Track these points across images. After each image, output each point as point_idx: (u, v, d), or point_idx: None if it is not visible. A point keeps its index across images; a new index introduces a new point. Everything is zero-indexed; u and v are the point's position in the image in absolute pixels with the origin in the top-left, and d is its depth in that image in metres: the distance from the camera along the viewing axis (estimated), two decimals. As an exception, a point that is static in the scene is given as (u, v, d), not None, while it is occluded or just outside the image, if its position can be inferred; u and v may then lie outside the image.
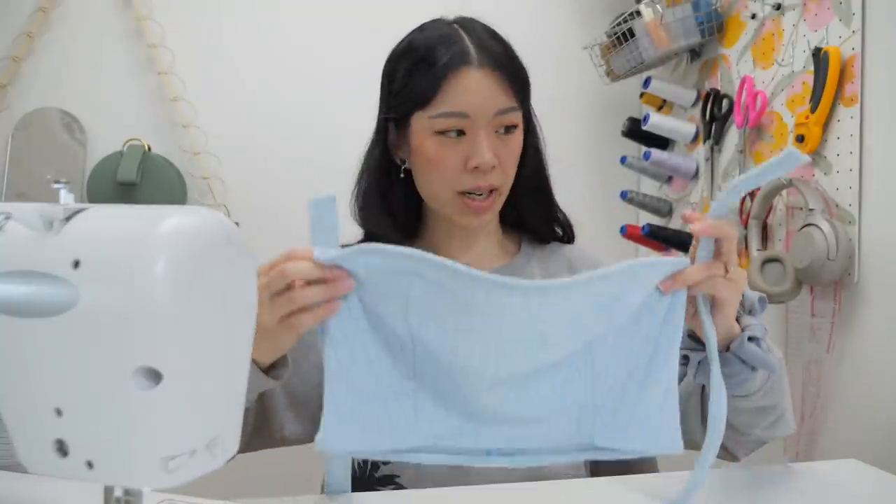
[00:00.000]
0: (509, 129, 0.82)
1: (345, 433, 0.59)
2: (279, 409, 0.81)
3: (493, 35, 0.85)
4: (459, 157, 0.80)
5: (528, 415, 0.62)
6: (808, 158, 0.65)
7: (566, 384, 0.62)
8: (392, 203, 0.88)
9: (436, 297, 0.57)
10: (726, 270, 0.63)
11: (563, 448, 0.64)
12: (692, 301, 0.65)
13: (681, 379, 0.67)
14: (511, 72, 0.81)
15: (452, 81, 0.78)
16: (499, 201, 0.85)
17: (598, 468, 0.91)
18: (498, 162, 0.81)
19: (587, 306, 0.60)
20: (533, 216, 0.93)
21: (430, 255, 0.56)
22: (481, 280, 0.56)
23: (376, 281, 0.58)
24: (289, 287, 0.58)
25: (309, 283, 0.58)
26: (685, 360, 0.69)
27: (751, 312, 0.70)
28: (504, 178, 0.83)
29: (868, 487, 0.81)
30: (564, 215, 0.96)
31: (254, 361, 0.64)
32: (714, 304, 0.65)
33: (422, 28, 0.85)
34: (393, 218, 0.89)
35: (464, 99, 0.78)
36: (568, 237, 0.97)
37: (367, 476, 0.82)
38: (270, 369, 0.67)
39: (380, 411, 0.60)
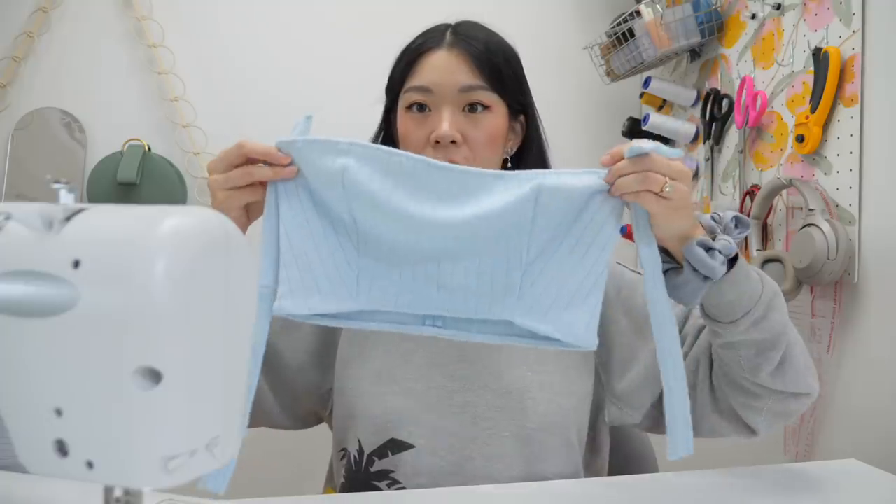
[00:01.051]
0: (477, 106, 0.83)
1: (296, 300, 0.67)
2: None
3: (484, 30, 0.87)
4: (424, 132, 0.83)
5: (459, 283, 0.68)
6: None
7: (499, 261, 0.68)
8: None
9: (367, 180, 0.66)
10: (662, 189, 0.65)
11: (489, 327, 0.70)
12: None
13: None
14: (482, 54, 0.83)
15: (422, 62, 0.84)
16: None
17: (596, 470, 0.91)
18: (463, 139, 0.81)
19: (508, 197, 0.65)
20: None
21: (364, 143, 0.67)
22: (412, 159, 0.66)
23: (318, 171, 0.66)
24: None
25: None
26: (710, 253, 0.69)
27: (726, 231, 0.72)
28: (472, 159, 0.82)
29: (868, 487, 0.81)
30: None
31: None
32: (651, 218, 0.68)
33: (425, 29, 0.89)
34: None
35: (428, 75, 0.83)
36: None
37: (363, 470, 0.82)
38: None
39: (325, 280, 0.68)
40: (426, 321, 0.70)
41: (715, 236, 0.71)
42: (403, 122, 0.85)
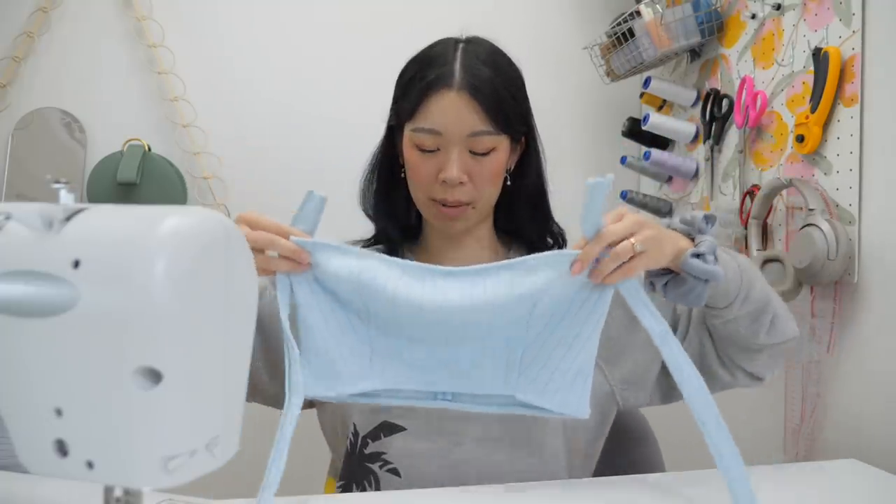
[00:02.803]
0: (482, 149, 0.87)
1: (318, 383, 0.74)
2: (254, 362, 0.87)
3: (491, 62, 0.89)
4: (433, 170, 0.87)
5: (465, 366, 0.75)
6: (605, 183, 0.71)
7: (500, 344, 0.74)
8: (394, 203, 0.97)
9: (379, 275, 0.73)
10: (634, 250, 0.69)
11: (493, 399, 0.76)
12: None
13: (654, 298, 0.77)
14: (491, 100, 0.85)
15: (431, 101, 0.85)
16: (472, 213, 0.91)
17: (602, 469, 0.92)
18: (468, 179, 0.87)
19: (505, 295, 0.72)
20: (528, 230, 0.99)
21: (377, 254, 0.73)
22: (420, 268, 0.73)
23: (331, 265, 0.73)
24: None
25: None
26: (651, 286, 0.78)
27: (700, 231, 0.78)
28: (476, 195, 0.89)
29: (868, 487, 0.81)
30: (559, 227, 1.02)
31: None
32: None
33: (431, 46, 0.92)
34: (395, 218, 0.98)
35: (438, 118, 0.85)
36: (559, 246, 1.03)
37: (358, 452, 0.87)
38: None
39: (343, 365, 0.75)
40: (437, 396, 0.77)
41: (692, 237, 0.77)
42: (411, 155, 0.89)
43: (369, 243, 1.03)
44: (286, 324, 0.71)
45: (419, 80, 0.87)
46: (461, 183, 0.87)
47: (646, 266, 0.71)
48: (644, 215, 0.77)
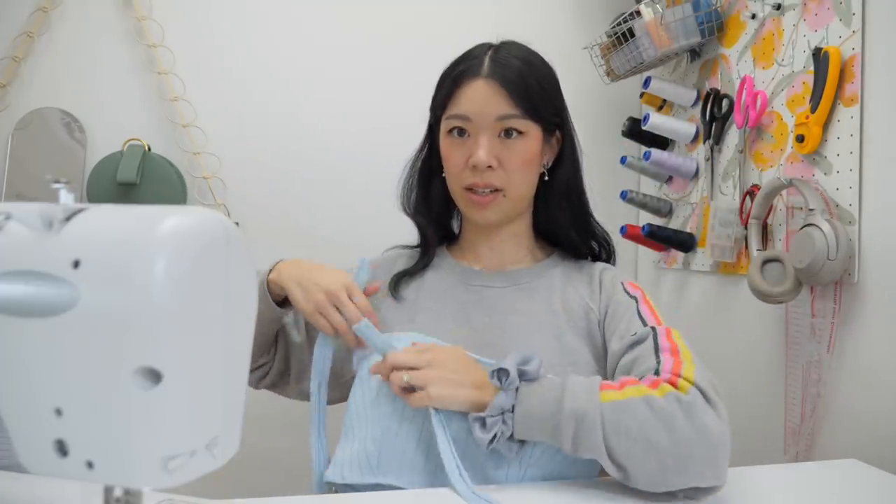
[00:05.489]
0: (512, 132, 0.90)
1: (346, 471, 0.84)
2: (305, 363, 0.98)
3: (522, 57, 0.93)
4: (463, 155, 0.91)
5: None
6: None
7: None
8: (433, 202, 1.02)
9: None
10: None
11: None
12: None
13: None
14: (517, 84, 0.89)
15: (462, 89, 0.91)
16: (505, 202, 0.93)
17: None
18: (498, 163, 0.90)
19: None
20: (566, 227, 1.00)
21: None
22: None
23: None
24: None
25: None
26: (483, 423, 0.75)
27: (511, 384, 0.77)
28: (506, 180, 0.91)
29: (868, 487, 0.81)
30: (602, 230, 1.02)
31: (270, 291, 0.89)
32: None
33: (468, 49, 0.96)
34: (433, 216, 1.02)
35: (467, 104, 0.90)
36: (606, 253, 1.03)
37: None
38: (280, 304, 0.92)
39: (363, 453, 0.83)
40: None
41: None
42: (445, 144, 0.94)
43: (415, 248, 1.05)
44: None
45: (451, 74, 0.92)
46: (491, 167, 0.89)
47: (432, 404, 0.76)
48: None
